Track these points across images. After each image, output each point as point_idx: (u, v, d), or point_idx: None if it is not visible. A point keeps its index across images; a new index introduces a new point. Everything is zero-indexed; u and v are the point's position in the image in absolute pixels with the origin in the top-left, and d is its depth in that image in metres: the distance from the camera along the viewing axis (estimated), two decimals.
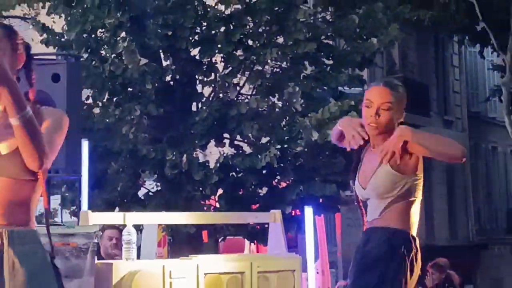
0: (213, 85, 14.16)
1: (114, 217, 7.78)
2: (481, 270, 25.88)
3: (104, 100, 14.08)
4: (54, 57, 8.57)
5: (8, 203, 4.03)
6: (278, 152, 13.35)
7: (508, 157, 31.44)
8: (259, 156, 13.28)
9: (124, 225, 6.31)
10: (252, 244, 14.24)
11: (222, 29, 13.68)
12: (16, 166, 4.00)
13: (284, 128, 13.79)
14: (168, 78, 13.99)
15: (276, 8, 13.58)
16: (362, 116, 5.06)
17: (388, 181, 4.95)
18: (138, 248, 6.65)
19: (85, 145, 6.81)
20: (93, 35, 13.95)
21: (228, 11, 13.79)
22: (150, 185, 14.44)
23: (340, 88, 14.32)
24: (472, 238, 27.47)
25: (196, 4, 13.67)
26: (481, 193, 29.10)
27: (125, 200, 13.70)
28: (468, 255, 24.82)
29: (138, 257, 6.36)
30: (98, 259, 6.12)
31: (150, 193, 14.21)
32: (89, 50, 13.75)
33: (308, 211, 7.34)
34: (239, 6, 13.75)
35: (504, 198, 30.99)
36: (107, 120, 13.72)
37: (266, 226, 7.85)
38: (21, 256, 4.06)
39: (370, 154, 5.12)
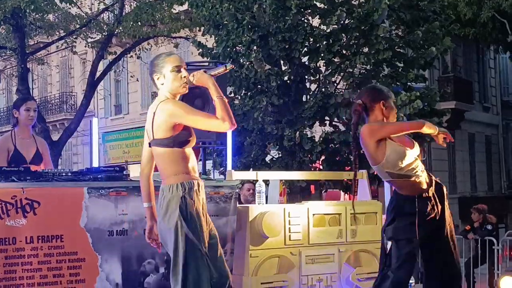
0: (317, 83, 14.06)
1: (249, 174, 7.81)
2: (511, 214, 25.15)
3: (242, 94, 14.14)
4: (207, 64, 8.59)
5: None
6: None
7: None
8: (350, 132, 13.15)
9: (257, 180, 6.32)
10: (346, 194, 14.13)
11: (324, 42, 13.54)
12: None
13: None
14: (286, 78, 13.93)
15: (363, 27, 13.37)
16: (388, 112, 4.87)
17: None
18: (266, 197, 6.64)
19: None
20: (233, 49, 13.98)
21: (328, 30, 13.64)
22: (273, 153, 14.45)
23: (408, 83, 14.05)
24: (504, 191, 26.71)
25: (305, 25, 13.59)
26: (511, 158, 28.27)
27: (256, 163, 13.73)
28: (501, 203, 24.18)
29: (266, 202, 6.34)
30: (239, 204, 6.13)
31: (274, 159, 14.21)
32: (231, 59, 13.80)
33: None
34: (336, 26, 13.58)
35: None
36: (244, 108, 13.77)
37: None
38: None
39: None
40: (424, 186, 4.77)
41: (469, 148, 24.71)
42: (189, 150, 4.36)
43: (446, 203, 4.86)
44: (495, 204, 20.87)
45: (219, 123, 4.21)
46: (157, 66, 4.40)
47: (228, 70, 4.53)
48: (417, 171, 4.77)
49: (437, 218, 4.76)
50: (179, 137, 4.29)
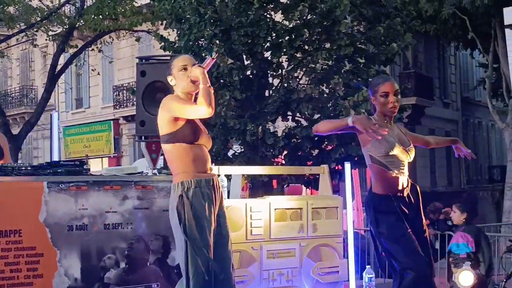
0: (280, 78, 14.07)
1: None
2: None
3: None
4: (169, 58, 8.53)
5: None
6: None
7: (489, 129, 30.92)
8: (313, 127, 13.20)
9: (219, 175, 6.29)
10: (307, 189, 14.18)
11: (287, 38, 13.57)
12: None
13: (330, 108, 13.67)
14: (248, 72, 13.93)
15: (325, 23, 13.42)
16: (380, 104, 4.85)
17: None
18: (228, 192, 6.61)
19: None
20: (196, 43, 13.94)
21: (291, 25, 13.66)
22: (236, 147, 14.45)
23: (370, 79, 14.13)
24: (463, 185, 27.05)
25: (267, 20, 13.59)
26: None
27: (219, 158, 13.70)
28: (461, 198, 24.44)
29: (228, 197, 6.33)
30: None
31: (236, 153, 14.21)
32: (193, 53, 13.74)
33: (347, 166, 7.22)
34: (298, 21, 13.61)
35: (486, 157, 30.54)
36: None
37: (317, 176, 7.76)
38: None
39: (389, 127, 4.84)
40: (399, 187, 4.77)
41: None
42: (196, 146, 4.39)
43: (420, 205, 4.91)
44: (455, 199, 21.07)
45: (197, 108, 4.28)
46: (169, 68, 4.55)
47: (215, 59, 4.66)
48: (397, 168, 4.76)
49: (413, 219, 4.81)
50: (180, 132, 4.33)
